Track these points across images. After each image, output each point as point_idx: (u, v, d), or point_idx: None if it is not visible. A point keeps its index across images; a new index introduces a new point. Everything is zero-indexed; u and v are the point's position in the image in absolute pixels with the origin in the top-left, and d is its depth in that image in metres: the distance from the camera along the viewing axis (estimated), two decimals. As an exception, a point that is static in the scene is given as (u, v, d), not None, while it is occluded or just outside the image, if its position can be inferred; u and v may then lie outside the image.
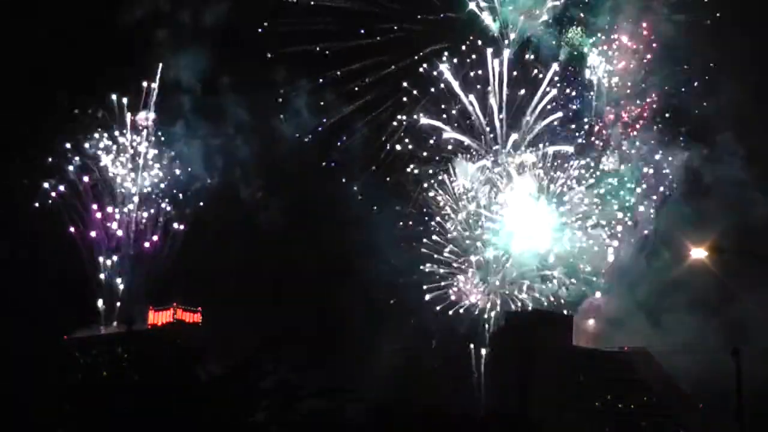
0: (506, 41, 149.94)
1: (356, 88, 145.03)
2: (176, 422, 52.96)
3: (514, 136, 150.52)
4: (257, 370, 59.59)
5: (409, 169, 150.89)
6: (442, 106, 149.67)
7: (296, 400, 60.10)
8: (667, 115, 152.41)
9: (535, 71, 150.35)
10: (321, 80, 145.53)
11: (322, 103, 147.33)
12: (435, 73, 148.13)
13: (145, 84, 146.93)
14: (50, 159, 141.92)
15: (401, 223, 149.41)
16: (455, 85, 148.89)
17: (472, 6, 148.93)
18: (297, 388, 59.80)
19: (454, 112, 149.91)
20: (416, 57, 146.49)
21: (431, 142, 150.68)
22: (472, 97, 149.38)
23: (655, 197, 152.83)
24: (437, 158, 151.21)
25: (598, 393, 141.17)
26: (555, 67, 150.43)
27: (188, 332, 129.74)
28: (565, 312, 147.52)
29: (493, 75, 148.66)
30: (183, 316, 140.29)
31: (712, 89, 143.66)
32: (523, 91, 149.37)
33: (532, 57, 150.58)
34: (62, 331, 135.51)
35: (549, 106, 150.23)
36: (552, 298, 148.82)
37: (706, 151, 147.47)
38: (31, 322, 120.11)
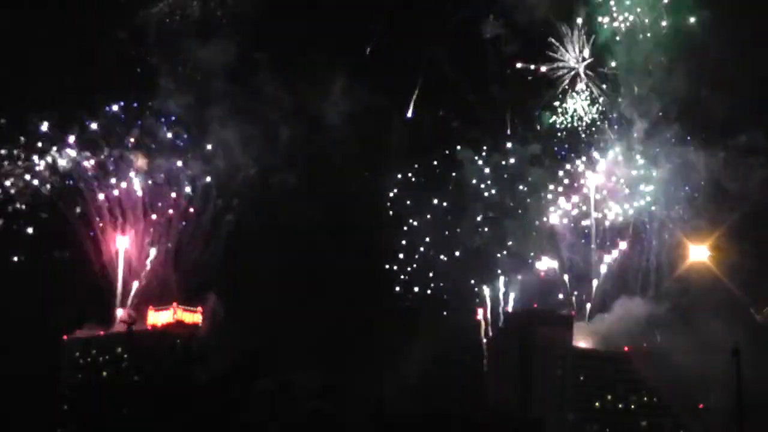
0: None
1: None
2: (175, 422, 52.91)
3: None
4: (256, 370, 59.55)
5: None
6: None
7: (296, 400, 60.11)
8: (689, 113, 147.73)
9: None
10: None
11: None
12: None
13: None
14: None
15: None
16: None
17: None
18: (297, 388, 59.80)
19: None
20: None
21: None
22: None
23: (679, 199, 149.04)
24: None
25: (598, 393, 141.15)
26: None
27: (188, 332, 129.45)
28: (565, 312, 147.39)
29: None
30: (183, 316, 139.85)
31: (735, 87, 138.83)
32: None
33: None
34: (62, 331, 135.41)
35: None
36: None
37: (728, 151, 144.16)
38: (32, 322, 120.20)
